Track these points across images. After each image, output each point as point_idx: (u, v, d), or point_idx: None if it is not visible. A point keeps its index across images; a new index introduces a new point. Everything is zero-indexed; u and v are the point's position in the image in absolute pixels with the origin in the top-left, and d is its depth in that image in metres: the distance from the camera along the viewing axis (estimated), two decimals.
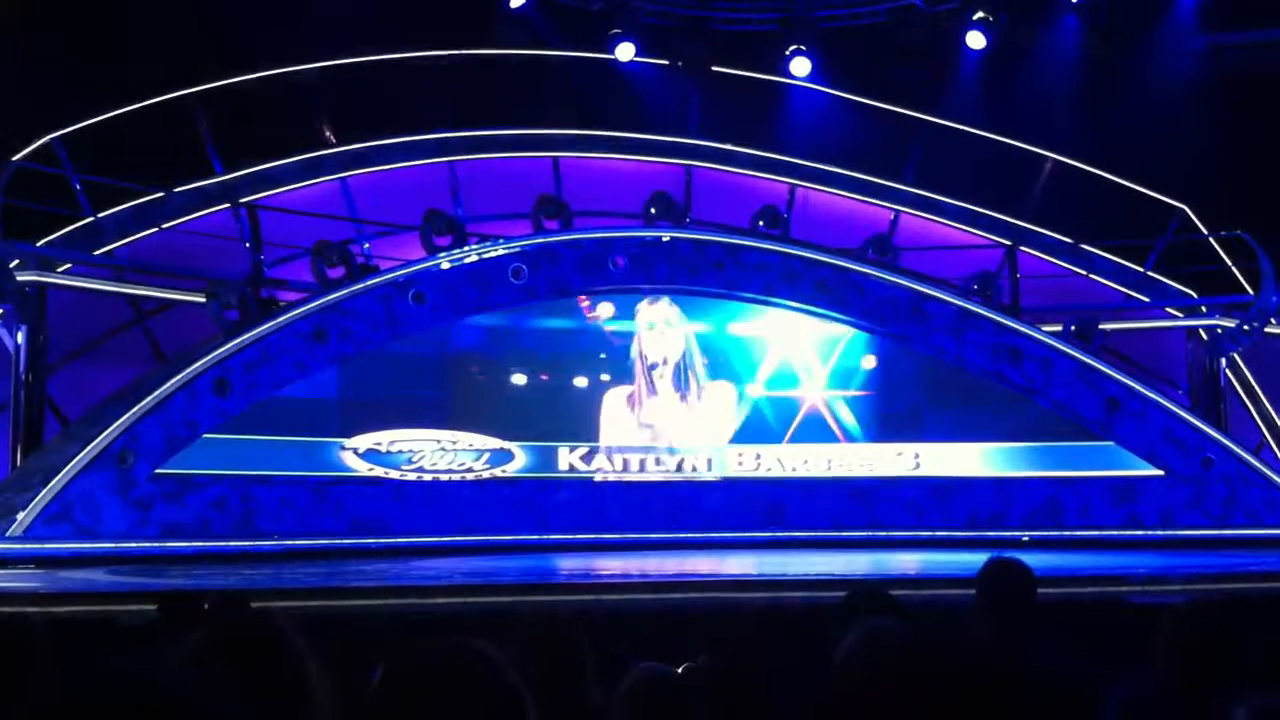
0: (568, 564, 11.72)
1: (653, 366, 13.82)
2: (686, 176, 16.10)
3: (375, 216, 14.80)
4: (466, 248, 13.34)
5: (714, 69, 16.74)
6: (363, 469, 12.68)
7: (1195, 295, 16.11)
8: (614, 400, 13.74)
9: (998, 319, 14.04)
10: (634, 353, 13.79)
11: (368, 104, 15.19)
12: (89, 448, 11.41)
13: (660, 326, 13.89)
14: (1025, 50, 17.29)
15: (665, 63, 16.84)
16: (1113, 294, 16.32)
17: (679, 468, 13.74)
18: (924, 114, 16.55)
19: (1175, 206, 15.97)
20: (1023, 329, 14.06)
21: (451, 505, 12.90)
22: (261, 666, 2.44)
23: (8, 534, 11.06)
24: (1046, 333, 14.11)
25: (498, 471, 13.15)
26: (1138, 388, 13.98)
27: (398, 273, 12.96)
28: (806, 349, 14.11)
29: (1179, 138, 16.01)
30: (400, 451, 12.82)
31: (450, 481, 12.97)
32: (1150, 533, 13.62)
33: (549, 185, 15.25)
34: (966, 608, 4.62)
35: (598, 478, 13.52)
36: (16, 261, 12.35)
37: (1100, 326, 14.55)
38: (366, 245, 14.64)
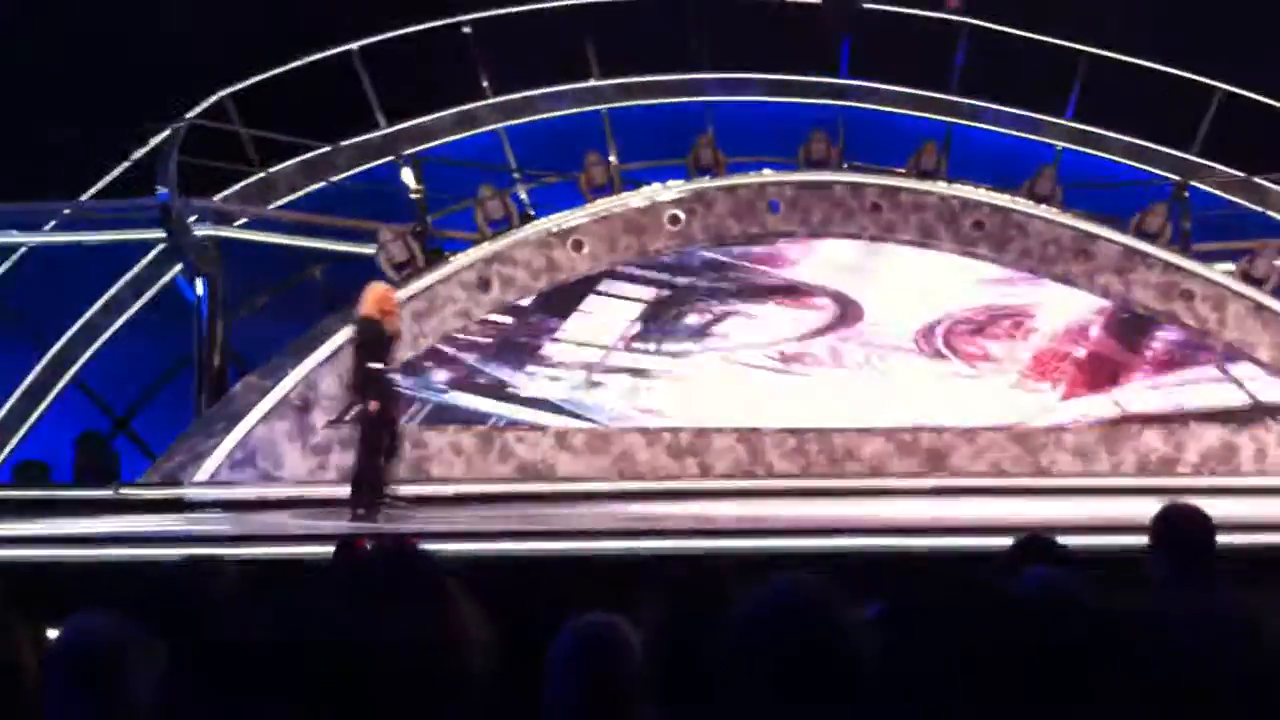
0: (728, 509, 11.78)
1: None
2: (839, 117, 15.91)
3: (533, 165, 15.01)
4: (623, 194, 13.44)
5: (865, 4, 16.46)
6: (528, 415, 12.91)
7: None
8: None
9: (1166, 258, 13.62)
10: None
11: (522, 53, 15.38)
12: (269, 396, 11.90)
13: None
14: None
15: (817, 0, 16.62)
16: None
17: None
18: (1084, 45, 16.04)
19: None
20: (1193, 268, 13.61)
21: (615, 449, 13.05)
22: (423, 606, 2.57)
23: (195, 478, 11.63)
24: (1219, 272, 13.65)
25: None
26: None
27: (556, 220, 13.14)
28: None
29: None
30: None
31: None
32: None
33: (702, 129, 15.22)
34: (1141, 556, 4.57)
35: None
36: (194, 217, 12.88)
37: (1276, 264, 14.01)
38: (524, 194, 14.86)
